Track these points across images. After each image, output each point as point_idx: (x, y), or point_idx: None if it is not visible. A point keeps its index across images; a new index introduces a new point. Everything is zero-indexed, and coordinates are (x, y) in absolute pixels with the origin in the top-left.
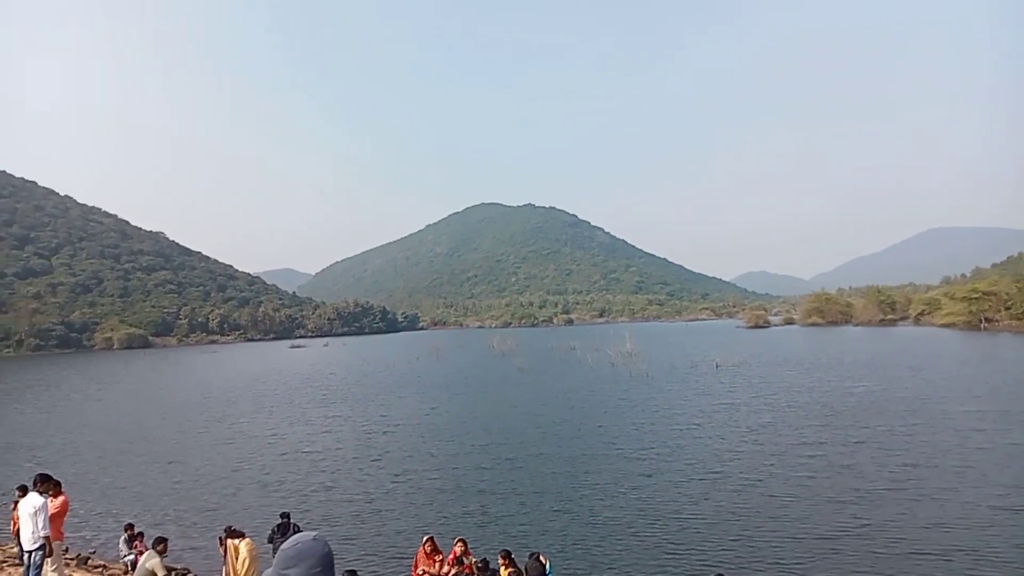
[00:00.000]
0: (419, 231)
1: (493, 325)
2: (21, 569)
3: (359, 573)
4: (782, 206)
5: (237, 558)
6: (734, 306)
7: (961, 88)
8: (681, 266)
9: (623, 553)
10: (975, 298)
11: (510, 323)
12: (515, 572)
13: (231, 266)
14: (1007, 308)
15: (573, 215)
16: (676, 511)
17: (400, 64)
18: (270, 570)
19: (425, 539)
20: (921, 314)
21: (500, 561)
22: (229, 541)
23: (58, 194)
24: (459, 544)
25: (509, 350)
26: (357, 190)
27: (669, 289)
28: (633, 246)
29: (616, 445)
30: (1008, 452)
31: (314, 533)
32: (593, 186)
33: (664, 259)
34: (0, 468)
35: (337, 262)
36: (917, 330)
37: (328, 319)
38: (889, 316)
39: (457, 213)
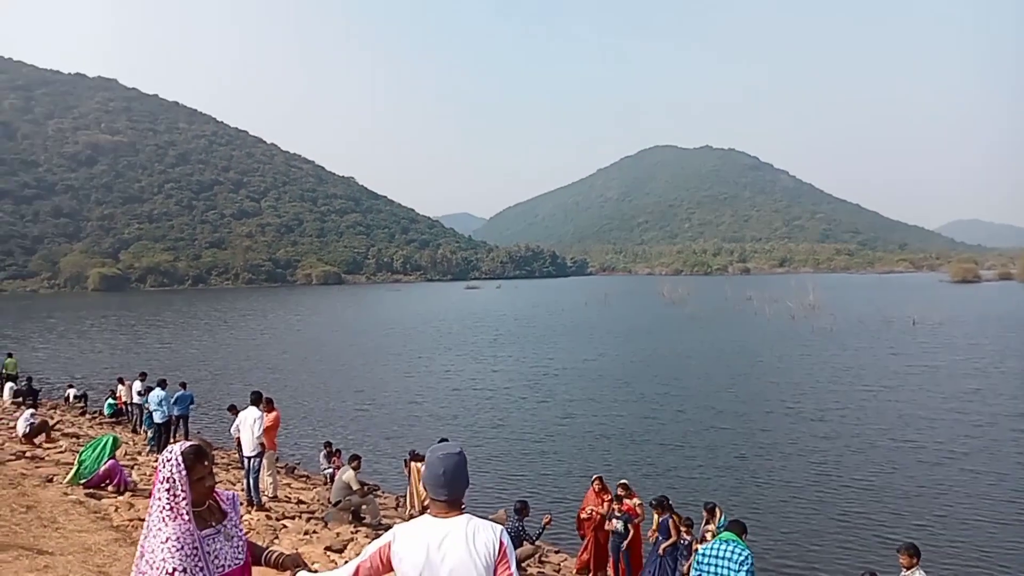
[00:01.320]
0: (590, 176)
1: (663, 272)
2: (242, 472)
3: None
4: (1005, 143)
5: (419, 480)
6: (937, 258)
7: None
8: (876, 213)
9: (801, 520)
10: None
11: (681, 271)
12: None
13: (413, 209)
14: None
15: (754, 157)
16: (861, 479)
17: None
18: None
19: (595, 478)
20: None
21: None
22: (412, 464)
23: (265, 142)
24: (620, 488)
25: (680, 298)
26: (528, 135)
27: (861, 238)
28: (820, 190)
29: (794, 403)
30: None
31: (457, 448)
32: (777, 125)
33: (856, 205)
34: (220, 385)
35: (510, 207)
36: None
37: (501, 262)
38: None
39: (630, 156)
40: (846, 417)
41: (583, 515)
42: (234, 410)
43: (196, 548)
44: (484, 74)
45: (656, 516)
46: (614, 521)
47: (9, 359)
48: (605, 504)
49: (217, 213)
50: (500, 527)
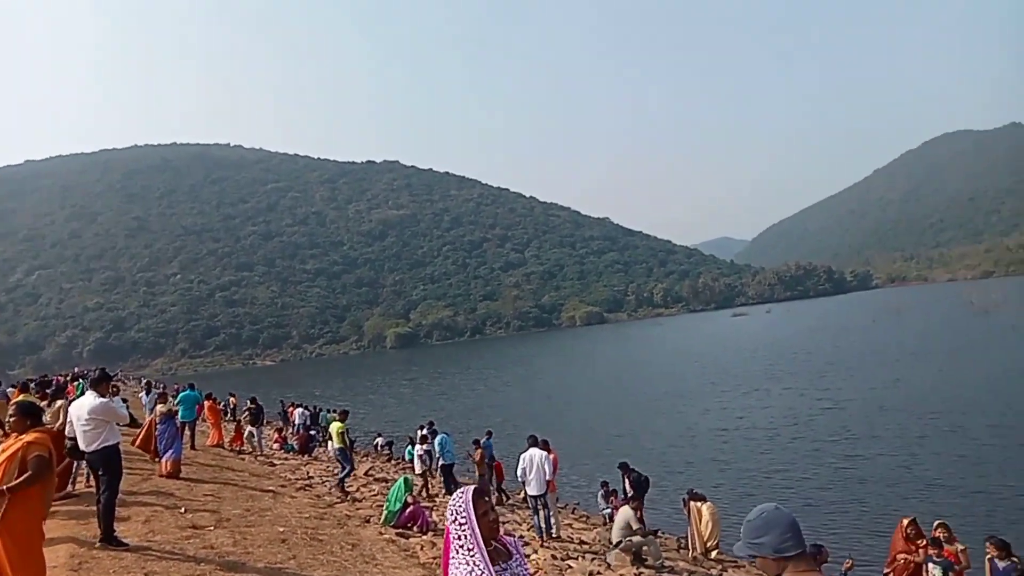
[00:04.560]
0: (865, 178)
1: (968, 277)
2: (528, 512)
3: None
4: None
5: (700, 520)
6: None
7: None
8: None
9: None
10: None
11: (992, 272)
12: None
13: (669, 241)
14: None
15: None
16: None
17: None
18: (739, 544)
19: (907, 522)
20: None
21: (989, 549)
22: (692, 503)
23: (524, 196)
24: (940, 529)
25: (993, 306)
26: (786, 144)
27: None
28: None
29: None
30: None
31: (774, 504)
32: None
33: None
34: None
35: (773, 225)
36: None
37: (769, 284)
38: None
39: (911, 151)
40: None
41: (892, 564)
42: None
43: None
44: (721, 89)
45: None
46: (931, 566)
47: (332, 415)
48: (921, 551)
49: (487, 267)
50: None
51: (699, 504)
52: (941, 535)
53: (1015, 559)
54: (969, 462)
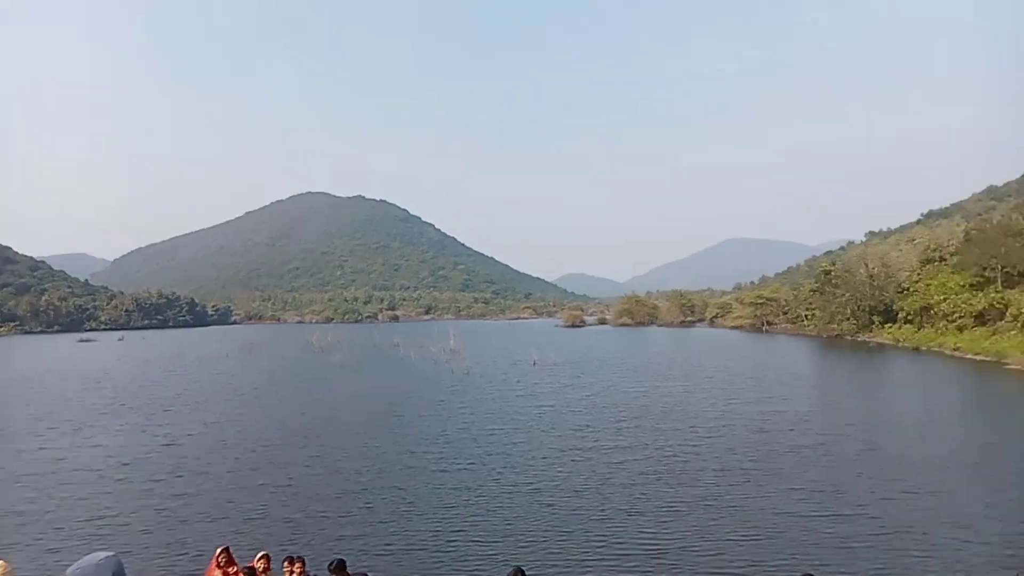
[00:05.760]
0: (237, 218)
1: (314, 320)
2: None
3: None
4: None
5: None
6: (554, 306)
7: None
8: (507, 266)
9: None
10: (759, 303)
11: (332, 318)
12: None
13: (9, 247)
14: (784, 313)
15: (404, 210)
16: (493, 526)
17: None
18: None
19: (219, 551)
20: (715, 317)
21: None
22: None
23: None
24: (261, 560)
25: (329, 346)
26: (168, 168)
27: (495, 288)
28: (462, 244)
29: (432, 451)
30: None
31: (104, 555)
32: (424, 181)
33: (492, 258)
34: None
35: (140, 248)
36: (711, 331)
37: (126, 310)
38: (689, 318)
39: (281, 201)
40: (482, 462)
41: None
42: None
43: None
44: (114, 88)
45: None
46: None
47: None
48: None
49: None
50: None
51: None
52: (261, 565)
53: None
54: (290, 491)
